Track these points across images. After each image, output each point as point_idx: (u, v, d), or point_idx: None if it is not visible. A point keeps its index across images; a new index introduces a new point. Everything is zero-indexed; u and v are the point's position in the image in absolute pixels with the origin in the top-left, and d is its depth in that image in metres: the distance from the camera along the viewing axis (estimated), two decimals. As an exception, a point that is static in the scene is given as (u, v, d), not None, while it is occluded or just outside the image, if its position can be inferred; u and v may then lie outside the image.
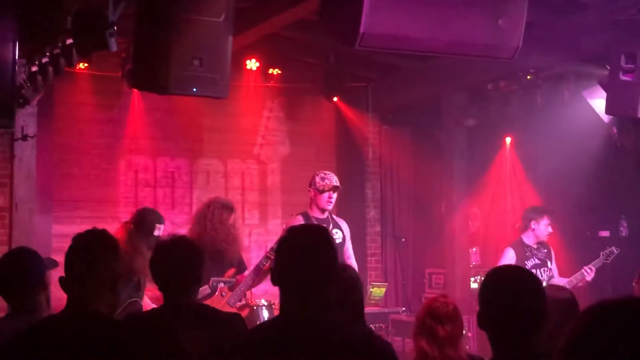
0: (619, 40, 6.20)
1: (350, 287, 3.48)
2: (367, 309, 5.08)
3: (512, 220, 8.77)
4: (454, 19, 5.29)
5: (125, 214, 8.83)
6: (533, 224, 7.43)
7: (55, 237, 8.36)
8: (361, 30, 4.96)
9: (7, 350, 2.78)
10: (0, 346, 2.83)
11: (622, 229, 8.75)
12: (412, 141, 10.15)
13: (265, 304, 6.46)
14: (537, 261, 7.35)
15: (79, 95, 8.71)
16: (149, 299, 6.04)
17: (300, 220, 6.39)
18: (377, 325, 7.25)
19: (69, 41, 5.89)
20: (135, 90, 7.57)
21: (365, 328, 3.65)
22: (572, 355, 1.39)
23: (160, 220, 6.15)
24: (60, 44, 6.00)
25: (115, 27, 5.22)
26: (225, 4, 5.25)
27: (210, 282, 6.04)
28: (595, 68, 6.97)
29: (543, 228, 7.43)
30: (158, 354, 2.93)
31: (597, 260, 7.43)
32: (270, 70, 9.46)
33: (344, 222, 6.78)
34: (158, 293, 3.66)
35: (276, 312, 4.42)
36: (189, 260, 3.51)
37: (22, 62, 6.07)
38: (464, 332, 4.02)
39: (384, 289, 7.99)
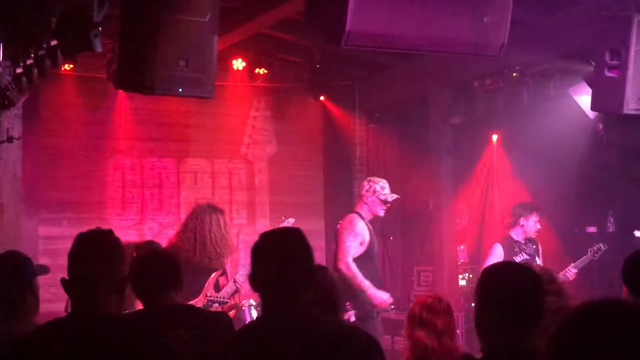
0: (604, 37, 6.21)
1: (328, 287, 3.49)
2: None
3: (499, 218, 8.78)
4: (439, 16, 5.31)
5: (112, 215, 8.83)
6: (522, 221, 7.44)
7: (42, 239, 8.34)
8: (347, 29, 4.97)
9: (15, 356, 2.73)
10: (5, 352, 2.78)
11: (609, 224, 8.79)
12: (399, 139, 10.15)
13: (254, 303, 6.45)
14: (525, 257, 7.36)
15: (64, 96, 8.67)
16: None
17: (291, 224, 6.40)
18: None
19: (54, 42, 5.86)
20: (121, 91, 7.53)
21: (345, 325, 3.70)
22: (557, 356, 1.42)
23: None
24: (45, 45, 5.97)
25: (100, 28, 5.19)
26: (211, 3, 5.24)
27: (206, 300, 6.00)
28: (580, 65, 6.98)
29: (532, 224, 7.44)
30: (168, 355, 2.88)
31: (585, 257, 7.46)
32: (257, 70, 9.45)
33: None
34: None
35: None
36: (160, 267, 3.61)
37: (6, 63, 6.04)
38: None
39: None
